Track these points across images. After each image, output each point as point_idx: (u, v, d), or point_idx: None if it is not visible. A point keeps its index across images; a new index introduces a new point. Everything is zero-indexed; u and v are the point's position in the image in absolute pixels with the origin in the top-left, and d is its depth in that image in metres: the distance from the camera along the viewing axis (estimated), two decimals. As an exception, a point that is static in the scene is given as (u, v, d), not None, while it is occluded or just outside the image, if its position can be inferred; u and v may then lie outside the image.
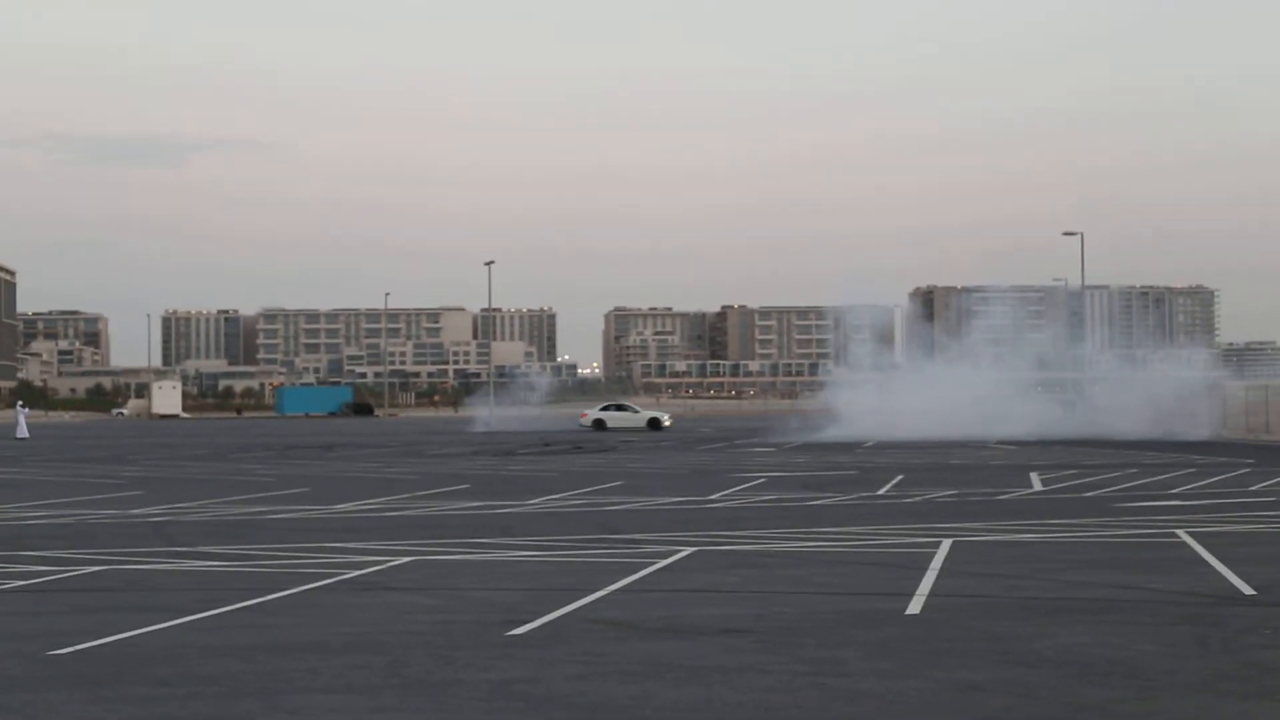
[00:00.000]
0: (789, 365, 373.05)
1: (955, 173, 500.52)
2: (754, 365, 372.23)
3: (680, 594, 17.68)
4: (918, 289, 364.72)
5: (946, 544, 22.53)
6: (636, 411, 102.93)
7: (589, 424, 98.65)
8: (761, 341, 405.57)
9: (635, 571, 19.59)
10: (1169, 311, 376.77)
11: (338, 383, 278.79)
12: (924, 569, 19.48)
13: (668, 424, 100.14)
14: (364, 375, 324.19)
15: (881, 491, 35.06)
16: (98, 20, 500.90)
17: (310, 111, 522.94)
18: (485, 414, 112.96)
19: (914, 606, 16.22)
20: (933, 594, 17.18)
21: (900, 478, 40.07)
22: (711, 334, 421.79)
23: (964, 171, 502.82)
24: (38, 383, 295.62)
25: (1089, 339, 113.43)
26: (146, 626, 15.29)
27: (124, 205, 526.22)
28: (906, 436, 71.03)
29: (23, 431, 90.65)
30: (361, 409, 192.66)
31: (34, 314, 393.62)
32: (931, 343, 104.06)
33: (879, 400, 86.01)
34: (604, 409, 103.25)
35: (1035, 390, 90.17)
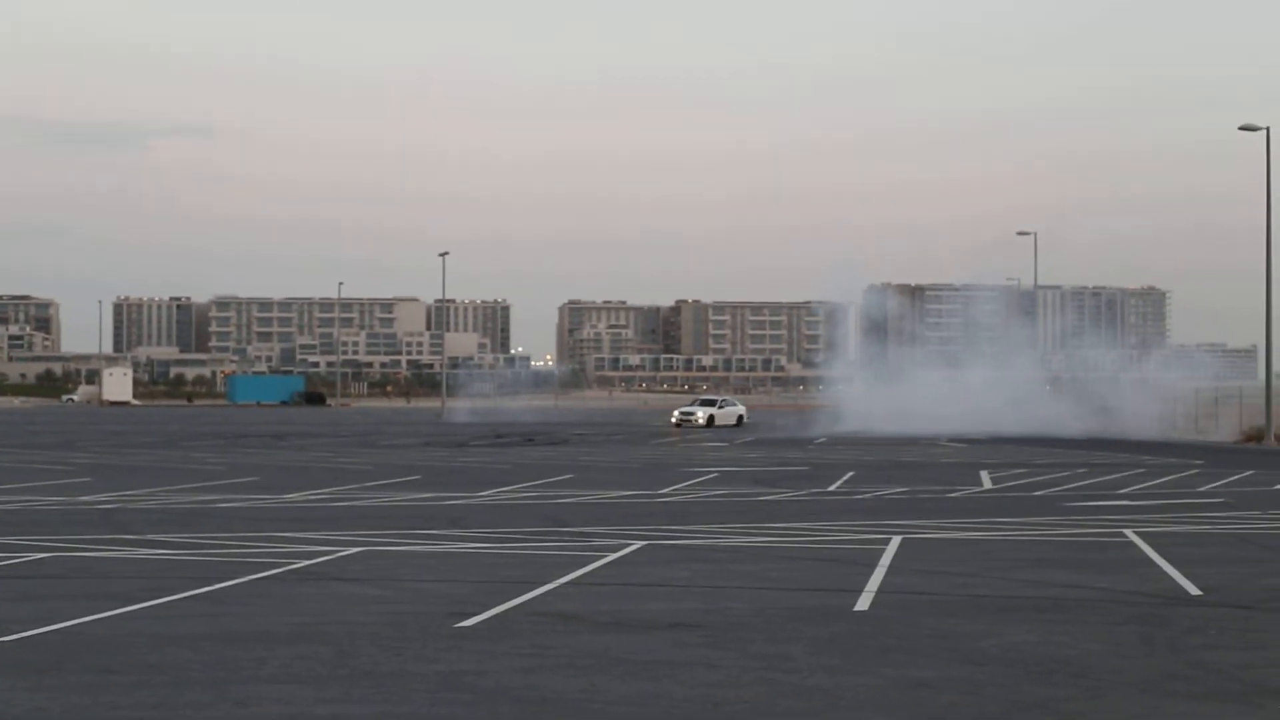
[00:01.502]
0: (742, 360, 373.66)
1: (911, 169, 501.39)
2: (707, 360, 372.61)
3: (630, 588, 17.69)
4: (870, 285, 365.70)
5: (896, 541, 22.59)
6: (734, 405, 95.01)
7: (701, 421, 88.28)
8: (715, 336, 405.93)
9: (585, 565, 19.58)
10: (1121, 312, 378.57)
11: (290, 372, 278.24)
12: (873, 566, 19.53)
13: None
14: (316, 365, 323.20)
15: (832, 488, 35.13)
16: (54, 2, 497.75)
17: (265, 98, 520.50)
18: (466, 405, 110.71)
19: (863, 603, 16.25)
20: (881, 590, 17.22)
21: (851, 474, 40.17)
22: (665, 328, 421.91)
23: (919, 168, 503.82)
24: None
25: (1041, 339, 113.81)
26: (93, 614, 15.20)
27: (78, 190, 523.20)
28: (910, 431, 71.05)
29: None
30: (313, 398, 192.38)
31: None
32: (885, 338, 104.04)
33: (899, 397, 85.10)
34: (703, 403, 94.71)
35: (1045, 389, 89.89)
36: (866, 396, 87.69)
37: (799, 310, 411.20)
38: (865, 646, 13.58)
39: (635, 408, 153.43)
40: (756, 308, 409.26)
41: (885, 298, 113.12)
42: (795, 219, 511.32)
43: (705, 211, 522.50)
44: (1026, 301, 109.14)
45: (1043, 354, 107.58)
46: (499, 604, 15.91)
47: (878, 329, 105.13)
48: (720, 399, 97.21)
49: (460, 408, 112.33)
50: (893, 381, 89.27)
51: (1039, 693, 11.74)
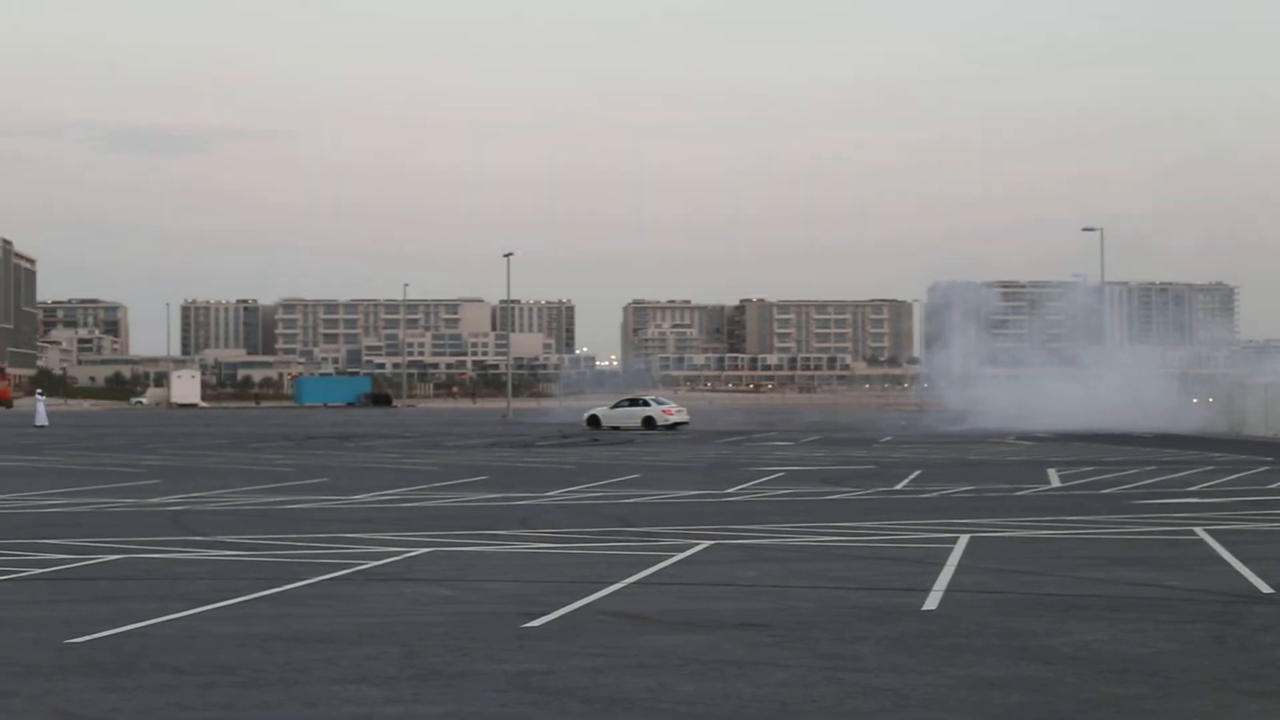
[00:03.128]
0: (807, 359, 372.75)
1: (973, 176, 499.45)
2: (772, 359, 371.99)
3: (697, 588, 17.68)
4: (936, 283, 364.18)
5: (964, 539, 22.51)
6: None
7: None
8: (780, 335, 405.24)
9: (652, 565, 19.59)
10: (1189, 308, 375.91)
11: (356, 373, 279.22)
12: (941, 564, 19.46)
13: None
14: (382, 366, 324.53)
15: (899, 486, 35.02)
16: (124, 10, 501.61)
17: (335, 103, 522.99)
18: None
19: (931, 602, 16.20)
20: (950, 589, 17.16)
21: (918, 473, 40.02)
22: (730, 327, 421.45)
23: (981, 176, 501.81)
24: (57, 371, 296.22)
25: (1108, 335, 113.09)
26: (164, 615, 15.32)
27: (146, 194, 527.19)
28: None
29: (42, 419, 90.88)
30: (380, 400, 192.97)
31: (54, 302, 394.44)
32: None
33: (1011, 392, 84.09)
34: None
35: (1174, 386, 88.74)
36: (985, 395, 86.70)
37: (864, 308, 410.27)
38: (934, 646, 13.54)
39: (701, 408, 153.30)
40: (821, 306, 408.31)
41: (972, 293, 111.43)
42: (859, 218, 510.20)
43: (769, 211, 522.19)
44: (1094, 297, 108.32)
45: (1110, 349, 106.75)
46: (567, 604, 15.94)
47: (972, 326, 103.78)
48: (653, 398, 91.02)
49: (525, 408, 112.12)
50: (1011, 379, 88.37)
51: (1109, 691, 11.68)
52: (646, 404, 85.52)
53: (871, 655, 13.06)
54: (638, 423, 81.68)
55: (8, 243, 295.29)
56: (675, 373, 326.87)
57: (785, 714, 10.90)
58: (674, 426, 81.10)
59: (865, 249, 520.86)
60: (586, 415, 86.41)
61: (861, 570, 19.32)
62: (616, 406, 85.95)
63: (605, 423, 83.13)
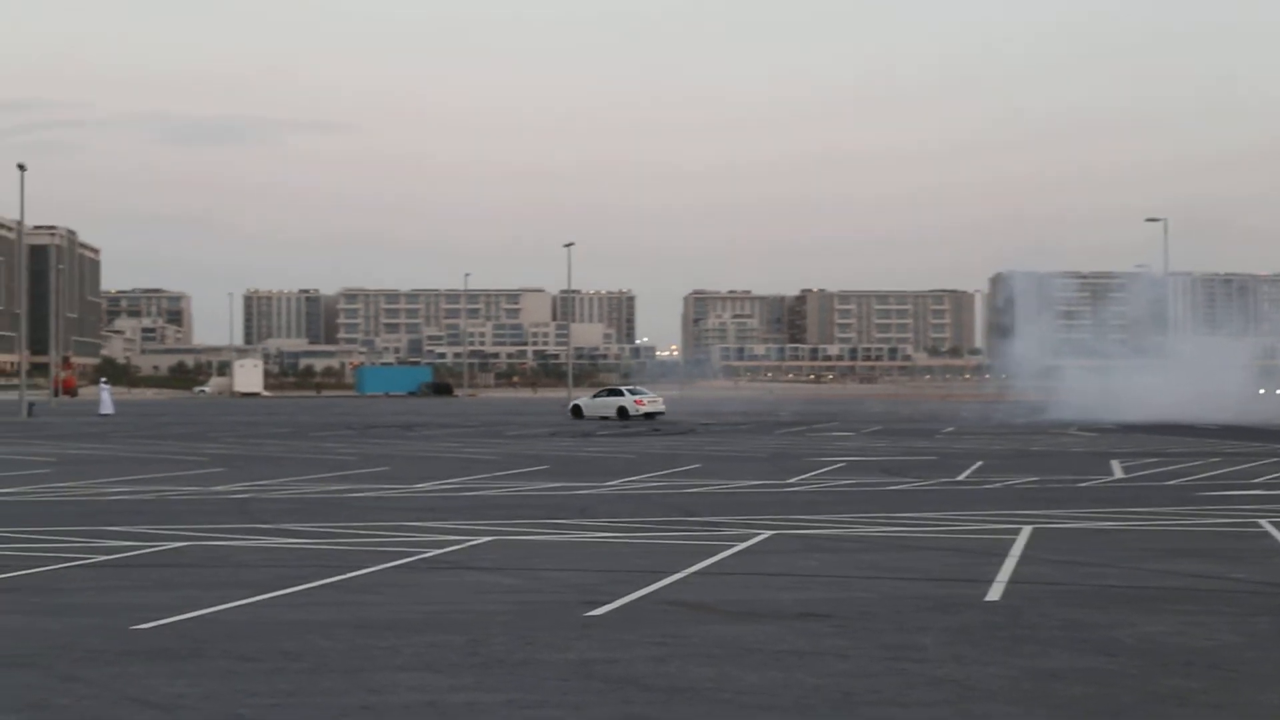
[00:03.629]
0: (868, 349, 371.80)
1: (1031, 164, 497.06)
2: (833, 349, 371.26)
3: (758, 577, 17.68)
4: (998, 274, 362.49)
5: (1026, 531, 22.41)
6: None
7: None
8: (840, 325, 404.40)
9: (713, 554, 19.60)
10: (1254, 298, 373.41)
11: (417, 363, 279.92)
12: (1004, 555, 19.38)
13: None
14: (443, 355, 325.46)
15: (961, 477, 34.90)
16: (188, 4, 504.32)
17: (397, 96, 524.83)
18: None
19: (994, 593, 16.14)
20: (1012, 581, 17.09)
21: (980, 464, 39.88)
22: (790, 317, 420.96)
23: (1040, 163, 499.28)
24: (121, 360, 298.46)
25: (1174, 326, 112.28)
26: (229, 602, 15.42)
27: (209, 185, 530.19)
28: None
29: (107, 408, 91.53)
30: (441, 389, 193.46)
31: (118, 291, 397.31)
32: (1010, 329, 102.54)
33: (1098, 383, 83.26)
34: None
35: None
36: (1053, 386, 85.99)
37: (925, 299, 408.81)
38: (997, 637, 13.49)
39: (761, 397, 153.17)
40: (882, 296, 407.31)
41: (1042, 283, 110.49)
42: (919, 208, 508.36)
43: (829, 201, 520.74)
44: (1159, 288, 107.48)
45: (1174, 340, 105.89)
46: (628, 593, 15.97)
47: (1042, 316, 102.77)
48: (629, 389, 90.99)
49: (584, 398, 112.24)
50: (1079, 370, 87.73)
51: (1173, 684, 11.62)
52: (621, 394, 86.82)
53: (934, 646, 13.03)
54: (613, 412, 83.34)
55: (72, 233, 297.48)
56: (736, 363, 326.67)
57: (848, 704, 10.88)
58: (650, 416, 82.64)
59: (927, 239, 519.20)
60: (570, 405, 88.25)
61: (923, 561, 19.28)
62: (596, 396, 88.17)
63: (586, 412, 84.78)
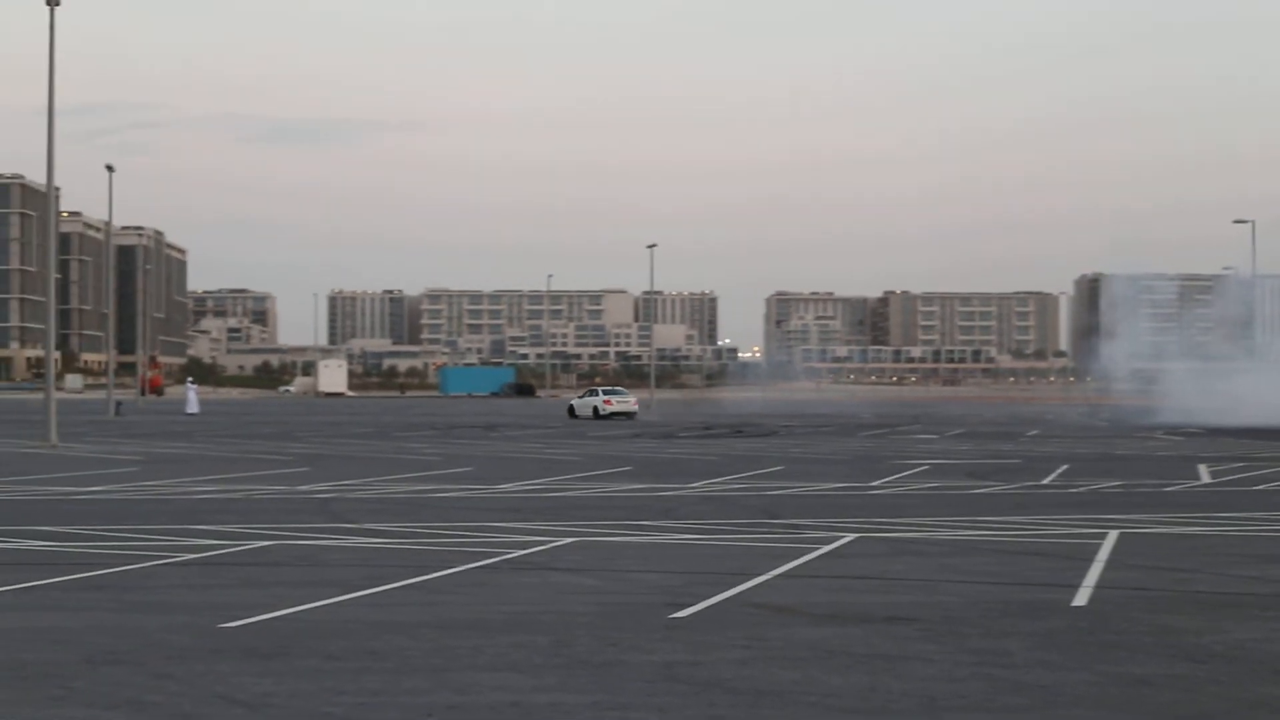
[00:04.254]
0: (951, 351, 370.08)
1: (1118, 155, 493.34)
2: (916, 351, 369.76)
3: (843, 580, 17.63)
4: (1083, 276, 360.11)
5: (1113, 535, 22.24)
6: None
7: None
8: (924, 327, 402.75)
9: (797, 557, 19.56)
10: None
11: (500, 363, 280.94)
12: (1090, 560, 19.25)
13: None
14: (526, 356, 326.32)
15: (1046, 481, 34.68)
16: (272, 8, 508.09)
17: (476, 93, 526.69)
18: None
19: (1080, 598, 16.03)
20: (1099, 586, 16.97)
21: (1065, 467, 39.61)
22: (873, 319, 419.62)
23: (1127, 155, 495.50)
24: (207, 359, 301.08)
25: (1260, 328, 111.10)
26: (315, 601, 15.51)
27: (294, 184, 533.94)
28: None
29: (193, 407, 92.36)
30: (523, 390, 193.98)
31: (204, 292, 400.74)
32: (1097, 330, 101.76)
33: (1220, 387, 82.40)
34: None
35: None
36: (1145, 389, 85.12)
37: (1009, 301, 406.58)
38: (1084, 643, 13.39)
39: (844, 400, 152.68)
40: (965, 298, 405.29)
41: (1093, 288, 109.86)
42: (1002, 208, 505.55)
43: (913, 202, 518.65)
44: (1247, 290, 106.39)
45: (1262, 342, 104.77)
46: (712, 595, 15.95)
47: (1134, 318, 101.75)
48: (603, 389, 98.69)
49: (668, 399, 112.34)
50: (1169, 372, 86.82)
51: (1264, 692, 11.50)
52: (596, 394, 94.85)
53: (1020, 651, 12.94)
54: (590, 411, 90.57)
55: (159, 234, 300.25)
56: (818, 365, 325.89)
57: (933, 709, 10.83)
58: (627, 415, 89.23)
59: (1011, 240, 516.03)
60: (567, 405, 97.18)
61: (1009, 565, 19.17)
62: (582, 397, 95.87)
63: (577, 411, 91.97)
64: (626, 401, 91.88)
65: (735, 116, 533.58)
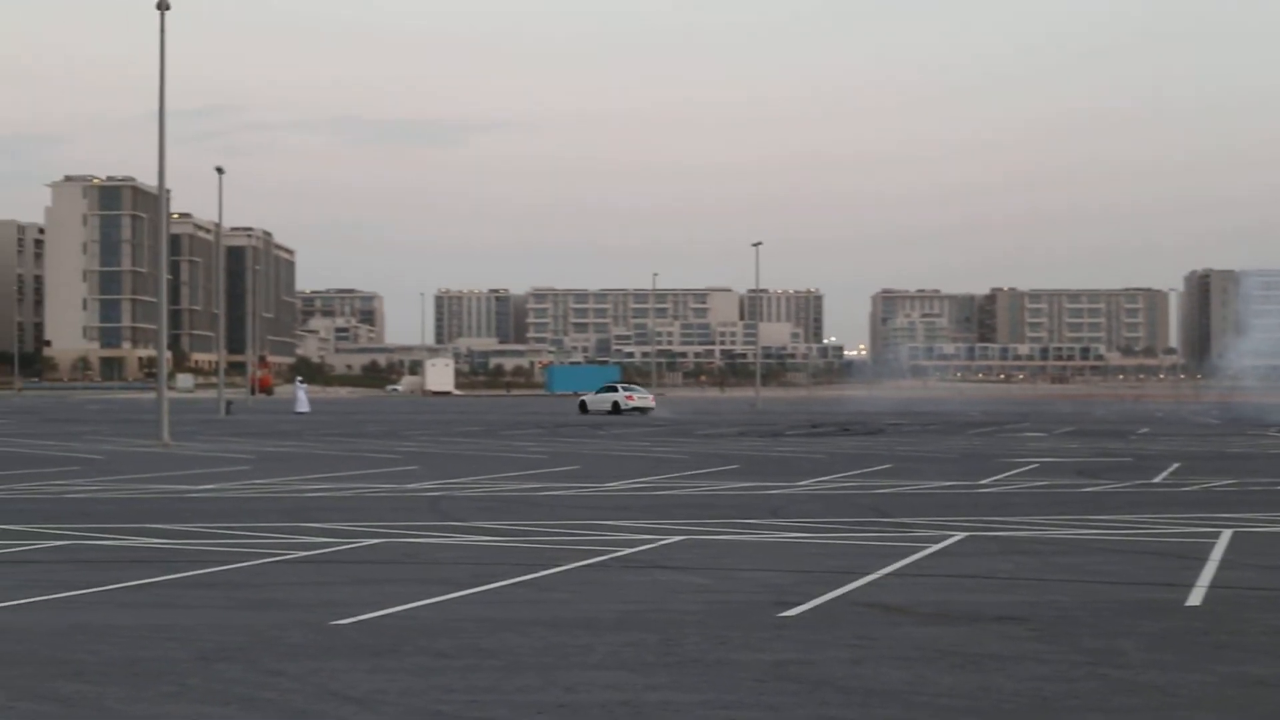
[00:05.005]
0: (1059, 349, 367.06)
1: (1229, 142, 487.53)
2: (1023, 349, 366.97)
3: (953, 579, 17.52)
4: (1193, 272, 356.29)
5: (1226, 534, 21.96)
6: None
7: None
8: (1031, 324, 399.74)
9: (906, 556, 19.46)
10: None
11: (605, 362, 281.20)
12: (1204, 560, 19.01)
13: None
14: (631, 355, 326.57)
15: (1157, 479, 34.32)
16: (378, 7, 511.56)
17: (580, 91, 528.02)
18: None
19: (1194, 598, 15.84)
20: (1213, 585, 16.76)
21: (1176, 465, 39.19)
22: (980, 316, 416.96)
23: (1239, 142, 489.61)
24: (315, 359, 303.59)
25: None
26: (425, 599, 15.59)
27: (400, 186, 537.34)
28: None
29: (302, 406, 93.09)
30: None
31: (312, 292, 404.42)
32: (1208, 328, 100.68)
33: None
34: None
35: None
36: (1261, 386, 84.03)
37: (1118, 297, 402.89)
38: (1198, 643, 13.23)
39: (950, 397, 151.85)
40: (1074, 295, 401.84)
41: (1204, 285, 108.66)
42: (1111, 201, 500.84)
43: (1019, 197, 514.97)
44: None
45: None
46: (821, 594, 15.90)
47: (1250, 316, 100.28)
48: (622, 386, 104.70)
49: (773, 397, 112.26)
50: None
51: (1385, 693, 11.32)
52: (616, 390, 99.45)
53: (1134, 651, 12.81)
54: (608, 406, 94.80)
55: (268, 234, 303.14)
56: (924, 363, 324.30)
57: (1046, 710, 10.73)
58: (643, 411, 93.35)
59: (1119, 236, 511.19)
60: (579, 401, 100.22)
61: (1121, 564, 18.98)
62: (598, 393, 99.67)
63: (590, 407, 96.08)
64: (645, 398, 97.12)
65: (837, 110, 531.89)
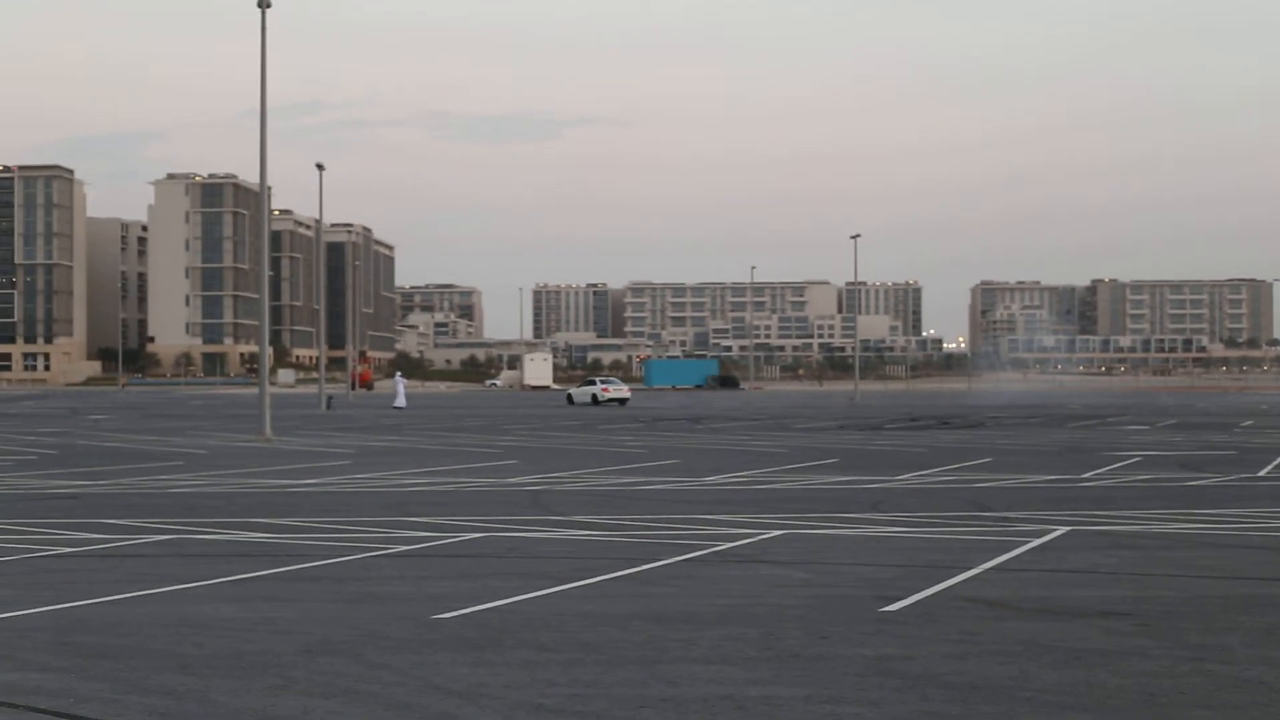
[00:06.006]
0: (1161, 341, 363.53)
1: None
2: (1125, 340, 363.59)
3: (1056, 574, 17.39)
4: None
5: (1335, 528, 21.70)
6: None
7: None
8: (1133, 316, 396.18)
9: (1008, 550, 19.34)
10: None
11: (703, 355, 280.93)
12: (1312, 554, 18.80)
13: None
14: (729, 348, 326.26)
15: (1262, 473, 33.93)
16: (470, 2, 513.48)
17: (677, 91, 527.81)
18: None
19: (1302, 593, 15.66)
20: (1322, 580, 16.56)
21: (1282, 459, 38.73)
22: (1081, 308, 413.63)
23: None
24: (414, 354, 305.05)
25: None
26: (526, 593, 15.66)
27: (498, 181, 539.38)
28: None
29: (402, 401, 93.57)
30: (727, 382, 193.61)
31: (411, 287, 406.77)
32: None
33: None
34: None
35: None
36: None
37: (1221, 288, 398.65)
38: (1307, 638, 13.08)
39: (1051, 390, 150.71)
40: (1176, 286, 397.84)
41: None
42: (1213, 190, 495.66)
43: (1119, 190, 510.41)
44: None
45: None
46: (923, 588, 15.83)
47: None
48: (600, 379, 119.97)
49: (871, 390, 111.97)
50: None
51: None
52: (594, 384, 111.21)
53: (1241, 647, 12.67)
54: (589, 398, 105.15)
55: (367, 230, 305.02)
56: (1024, 355, 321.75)
57: (1152, 705, 10.64)
58: (620, 401, 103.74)
59: (1222, 227, 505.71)
60: (566, 393, 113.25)
61: (1227, 559, 18.79)
62: (581, 386, 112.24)
63: (575, 399, 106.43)
64: (621, 389, 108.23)
65: (934, 95, 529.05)
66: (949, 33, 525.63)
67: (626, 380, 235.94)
